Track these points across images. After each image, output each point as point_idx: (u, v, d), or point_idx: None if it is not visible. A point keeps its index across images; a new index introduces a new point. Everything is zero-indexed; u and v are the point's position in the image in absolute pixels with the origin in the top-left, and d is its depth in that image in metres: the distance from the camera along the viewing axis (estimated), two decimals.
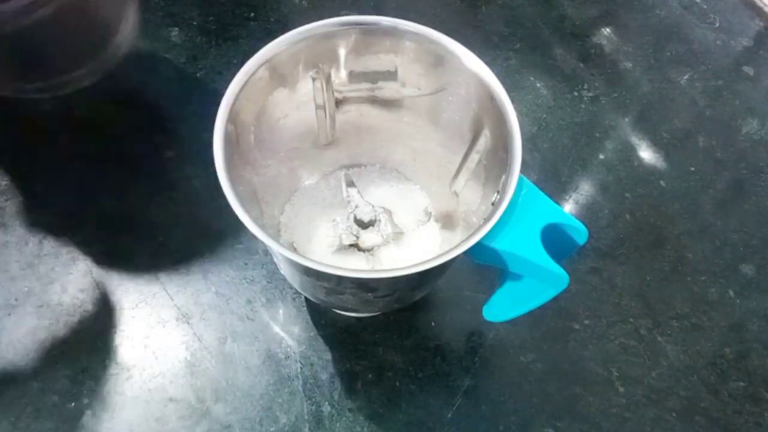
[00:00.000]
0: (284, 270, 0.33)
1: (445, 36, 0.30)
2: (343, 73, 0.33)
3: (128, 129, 0.46)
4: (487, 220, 0.27)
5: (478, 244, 0.26)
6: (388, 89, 0.35)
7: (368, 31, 0.31)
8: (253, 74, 0.29)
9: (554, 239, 0.29)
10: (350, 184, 0.39)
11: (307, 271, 0.28)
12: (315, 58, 0.32)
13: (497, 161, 0.30)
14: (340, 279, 0.27)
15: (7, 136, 0.45)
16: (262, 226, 0.26)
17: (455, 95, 0.33)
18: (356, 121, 0.37)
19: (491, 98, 0.30)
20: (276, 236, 0.38)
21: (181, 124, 0.46)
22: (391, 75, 0.34)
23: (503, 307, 0.35)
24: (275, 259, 0.35)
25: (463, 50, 0.30)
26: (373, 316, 0.40)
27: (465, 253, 0.27)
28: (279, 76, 0.31)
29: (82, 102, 0.46)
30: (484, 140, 0.32)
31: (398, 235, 0.38)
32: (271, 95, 0.32)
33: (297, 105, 0.34)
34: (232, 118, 0.29)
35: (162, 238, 0.42)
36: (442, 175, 0.37)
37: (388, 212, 0.38)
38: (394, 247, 0.38)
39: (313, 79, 0.33)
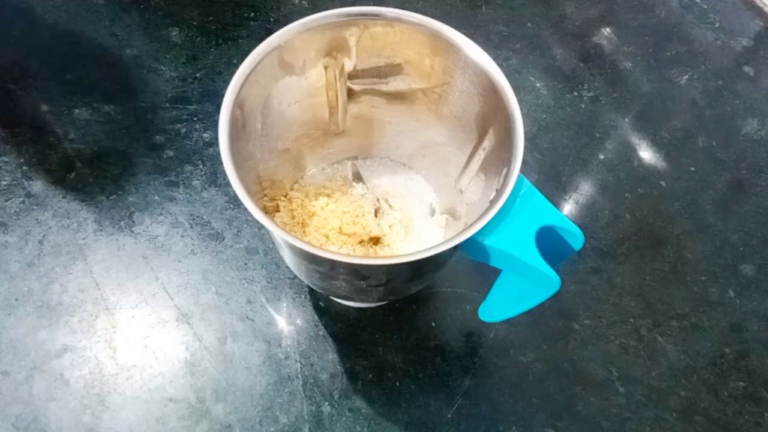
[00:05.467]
0: (284, 255, 0.33)
1: (453, 29, 0.31)
2: (355, 64, 0.34)
3: (128, 129, 0.46)
4: (482, 216, 0.27)
5: (471, 240, 0.26)
6: (396, 82, 0.35)
7: (376, 22, 0.31)
8: (262, 59, 0.30)
9: (550, 243, 0.29)
10: (357, 174, 0.39)
11: (303, 255, 0.28)
12: (326, 47, 0.32)
13: (500, 160, 0.30)
14: (333, 264, 0.27)
15: (8, 136, 0.45)
16: (263, 209, 0.26)
17: (461, 90, 0.33)
18: (367, 112, 0.37)
19: (496, 91, 0.30)
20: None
21: (181, 124, 0.46)
22: (398, 68, 0.34)
23: (497, 307, 0.35)
24: (276, 245, 0.35)
25: (470, 43, 0.31)
26: (373, 316, 0.40)
27: (459, 248, 0.27)
28: (288, 62, 0.31)
29: (82, 102, 0.46)
30: (489, 139, 0.32)
31: (402, 225, 0.38)
32: (280, 81, 0.32)
33: (308, 92, 0.34)
34: (239, 101, 0.29)
35: (162, 238, 0.42)
36: (449, 171, 0.37)
37: (392, 203, 0.39)
38: (400, 241, 0.38)
39: (326, 68, 0.33)
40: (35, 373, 0.37)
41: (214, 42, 0.50)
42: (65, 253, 0.41)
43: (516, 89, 0.29)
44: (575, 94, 0.50)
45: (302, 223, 0.38)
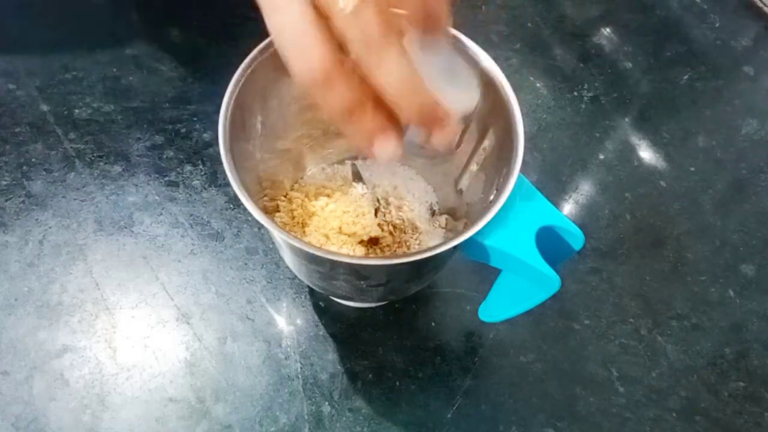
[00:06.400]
0: (284, 255, 0.33)
1: (453, 29, 0.30)
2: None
3: (128, 129, 0.46)
4: (482, 216, 0.27)
5: (471, 240, 0.26)
6: None
7: None
8: (261, 59, 0.29)
9: (550, 243, 0.29)
10: (357, 174, 0.39)
11: (303, 255, 0.28)
12: None
13: (500, 160, 0.30)
14: (333, 264, 0.27)
15: (8, 136, 0.45)
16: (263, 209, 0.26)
17: None
18: None
19: (496, 91, 0.30)
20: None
21: (181, 124, 0.46)
22: None
23: (497, 307, 0.35)
24: (276, 244, 0.35)
25: (469, 43, 0.30)
26: (373, 316, 0.40)
27: (459, 248, 0.27)
28: None
29: (82, 102, 0.46)
30: (489, 139, 0.32)
31: (402, 225, 0.38)
32: (280, 81, 0.32)
33: (308, 92, 0.34)
34: (239, 101, 0.29)
35: (162, 238, 0.42)
36: (449, 171, 0.37)
37: (392, 203, 0.39)
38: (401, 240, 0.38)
39: None
40: (35, 373, 0.37)
41: (214, 42, 0.50)
42: (65, 253, 0.41)
43: (516, 89, 0.29)
44: (575, 94, 0.50)
45: (302, 223, 0.38)
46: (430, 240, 0.39)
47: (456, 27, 0.31)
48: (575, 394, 0.39)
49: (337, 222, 0.38)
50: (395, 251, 0.38)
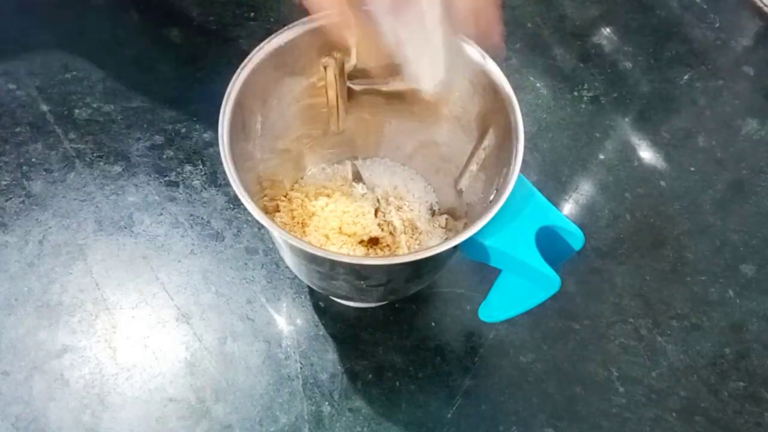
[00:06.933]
0: (284, 255, 0.33)
1: None
2: (355, 64, 0.34)
3: (128, 129, 0.46)
4: (482, 216, 0.27)
5: (471, 240, 0.26)
6: (396, 82, 0.35)
7: None
8: (262, 60, 0.29)
9: (550, 243, 0.29)
10: (357, 174, 0.39)
11: (303, 255, 0.28)
12: (326, 47, 0.32)
13: (500, 160, 0.30)
14: (333, 264, 0.28)
15: (8, 136, 0.45)
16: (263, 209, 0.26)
17: (461, 90, 0.33)
18: (367, 112, 0.37)
19: (496, 91, 0.30)
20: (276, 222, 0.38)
21: (181, 124, 0.46)
22: (398, 68, 0.34)
23: (497, 307, 0.35)
24: (276, 244, 0.35)
25: (469, 43, 0.30)
26: (373, 316, 0.40)
27: (459, 248, 0.27)
28: (288, 62, 0.31)
29: (82, 102, 0.46)
30: (489, 139, 0.32)
31: (403, 226, 0.38)
32: (280, 81, 0.32)
33: (309, 92, 0.34)
34: (239, 101, 0.29)
35: (162, 238, 0.42)
36: (449, 171, 0.37)
37: (392, 203, 0.39)
38: (401, 241, 0.38)
39: (326, 68, 0.33)
40: (35, 373, 0.37)
41: (214, 42, 0.50)
42: (65, 253, 0.41)
43: (516, 89, 0.29)
44: (575, 94, 0.50)
45: (302, 223, 0.38)
46: (430, 240, 0.39)
47: None
48: (575, 394, 0.39)
49: (337, 222, 0.38)
50: (395, 251, 0.38)
